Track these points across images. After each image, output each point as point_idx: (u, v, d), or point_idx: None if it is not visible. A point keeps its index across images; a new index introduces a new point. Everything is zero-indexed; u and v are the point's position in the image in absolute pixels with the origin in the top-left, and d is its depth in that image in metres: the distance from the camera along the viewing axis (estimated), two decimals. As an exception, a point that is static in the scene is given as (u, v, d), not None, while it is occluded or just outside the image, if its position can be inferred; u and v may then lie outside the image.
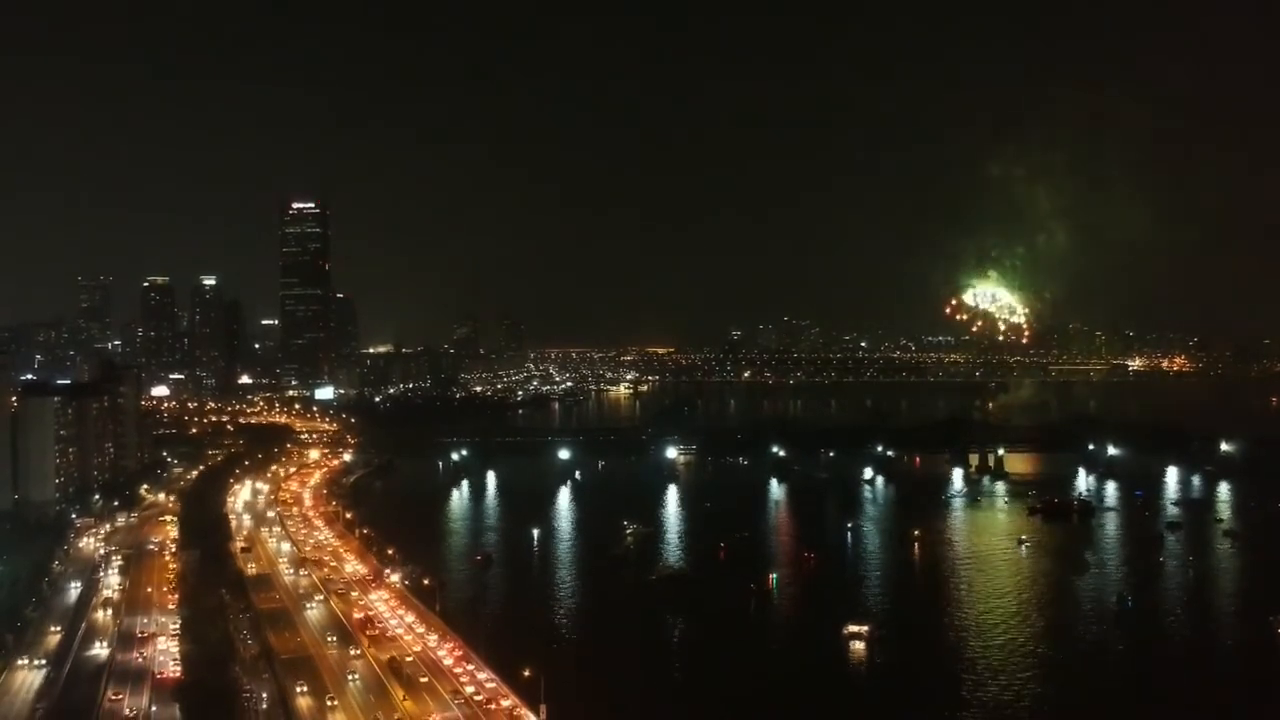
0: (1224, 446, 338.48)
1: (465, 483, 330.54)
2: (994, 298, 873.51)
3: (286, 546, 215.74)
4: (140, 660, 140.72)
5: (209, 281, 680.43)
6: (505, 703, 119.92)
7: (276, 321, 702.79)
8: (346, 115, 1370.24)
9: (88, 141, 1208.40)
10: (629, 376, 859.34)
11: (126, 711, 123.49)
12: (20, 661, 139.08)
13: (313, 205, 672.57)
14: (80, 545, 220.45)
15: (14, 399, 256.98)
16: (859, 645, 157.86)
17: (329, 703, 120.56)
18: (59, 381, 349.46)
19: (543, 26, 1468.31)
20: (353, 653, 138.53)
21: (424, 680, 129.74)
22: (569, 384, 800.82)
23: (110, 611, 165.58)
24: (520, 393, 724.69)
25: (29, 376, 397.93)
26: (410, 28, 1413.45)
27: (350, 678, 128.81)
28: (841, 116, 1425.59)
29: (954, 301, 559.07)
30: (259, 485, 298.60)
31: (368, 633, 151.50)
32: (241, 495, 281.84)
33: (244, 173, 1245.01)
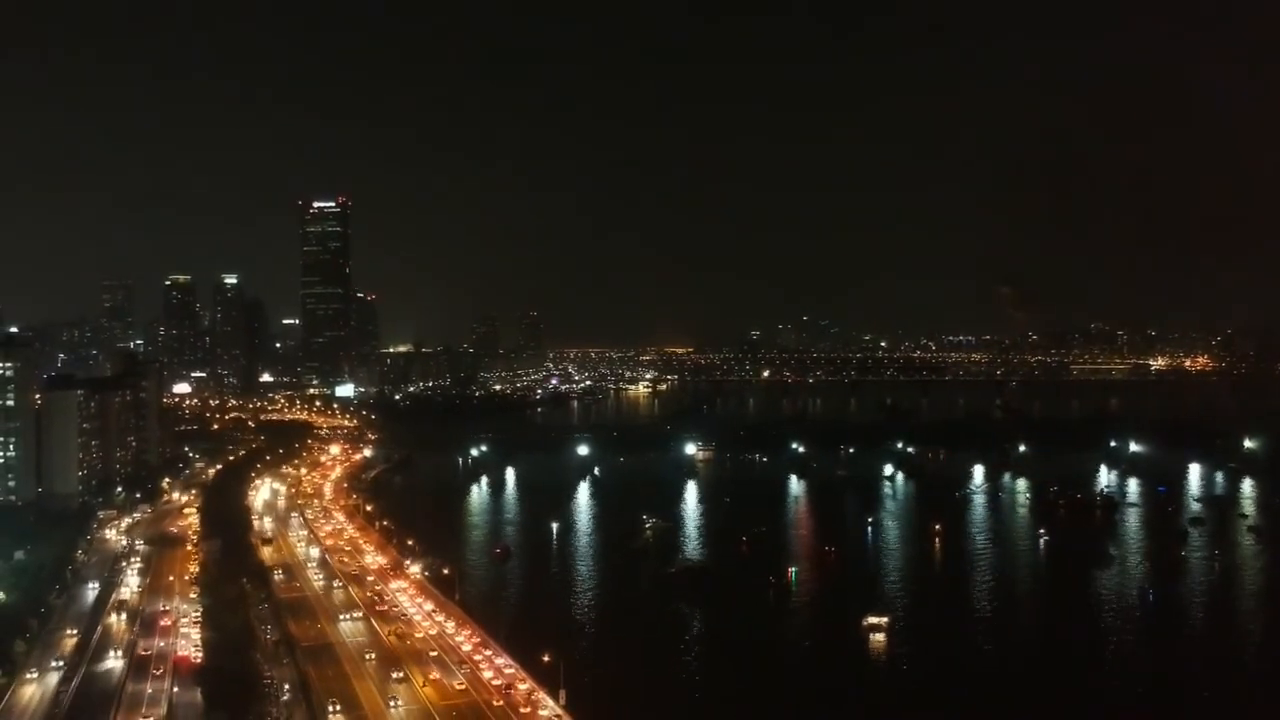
0: (1247, 443, 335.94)
1: (484, 478, 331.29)
2: (1017, 297, 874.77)
3: (307, 538, 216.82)
4: (161, 645, 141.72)
5: (230, 280, 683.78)
6: (523, 686, 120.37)
7: (297, 321, 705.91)
8: (368, 116, 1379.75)
9: (110, 143, 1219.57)
10: (648, 376, 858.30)
11: (154, 672, 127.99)
12: (29, 674, 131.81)
13: (333, 204, 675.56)
14: (103, 536, 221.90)
15: (37, 394, 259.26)
16: (879, 637, 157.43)
17: None
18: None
19: (564, 29, 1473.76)
20: (395, 675, 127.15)
21: (433, 654, 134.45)
22: (588, 382, 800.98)
23: (132, 600, 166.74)
24: (539, 391, 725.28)
25: (51, 375, 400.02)
26: (433, 29, 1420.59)
27: (392, 703, 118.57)
28: (862, 116, 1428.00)
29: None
30: (280, 479, 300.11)
31: (377, 608, 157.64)
32: (262, 489, 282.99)
33: (266, 172, 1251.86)
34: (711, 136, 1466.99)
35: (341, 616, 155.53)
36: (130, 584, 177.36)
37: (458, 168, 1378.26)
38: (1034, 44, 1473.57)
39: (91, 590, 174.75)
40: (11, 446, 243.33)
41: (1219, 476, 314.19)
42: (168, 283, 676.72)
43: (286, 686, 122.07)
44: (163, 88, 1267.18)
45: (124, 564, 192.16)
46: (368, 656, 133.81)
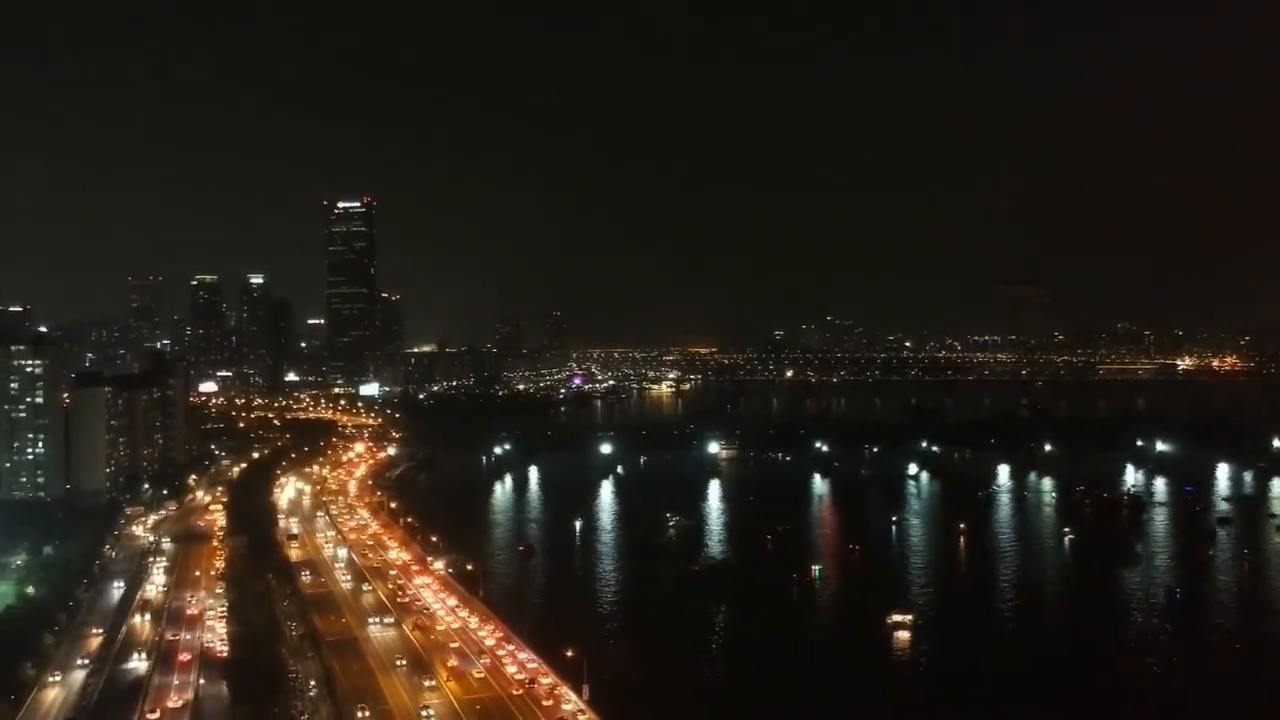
0: (1276, 443, 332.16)
1: (508, 477, 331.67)
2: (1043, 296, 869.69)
3: (332, 534, 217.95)
4: (188, 638, 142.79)
5: (257, 280, 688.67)
6: (545, 680, 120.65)
7: (323, 321, 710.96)
8: (394, 117, 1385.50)
9: (136, 145, 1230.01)
10: (671, 375, 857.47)
11: (180, 662, 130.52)
12: (53, 677, 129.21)
13: (359, 205, 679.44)
14: (130, 532, 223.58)
15: (65, 394, 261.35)
16: (903, 634, 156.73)
17: None
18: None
19: (588, 30, 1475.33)
20: (427, 683, 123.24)
21: (454, 646, 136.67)
22: (611, 382, 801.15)
23: (159, 595, 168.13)
24: (563, 391, 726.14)
25: (79, 373, 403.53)
26: (458, 32, 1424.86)
27: (424, 714, 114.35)
28: (885, 119, 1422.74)
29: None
30: (305, 477, 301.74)
31: (400, 601, 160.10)
32: (288, 486, 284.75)
33: (292, 173, 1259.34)
34: (735, 137, 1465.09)
35: (367, 614, 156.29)
36: (157, 579, 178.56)
37: (482, 170, 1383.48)
38: (1050, 43, 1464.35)
39: (119, 585, 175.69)
40: (40, 443, 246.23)
41: (1247, 476, 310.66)
42: (194, 283, 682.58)
43: (313, 683, 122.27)
44: (190, 89, 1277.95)
45: (150, 559, 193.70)
46: (398, 662, 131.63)
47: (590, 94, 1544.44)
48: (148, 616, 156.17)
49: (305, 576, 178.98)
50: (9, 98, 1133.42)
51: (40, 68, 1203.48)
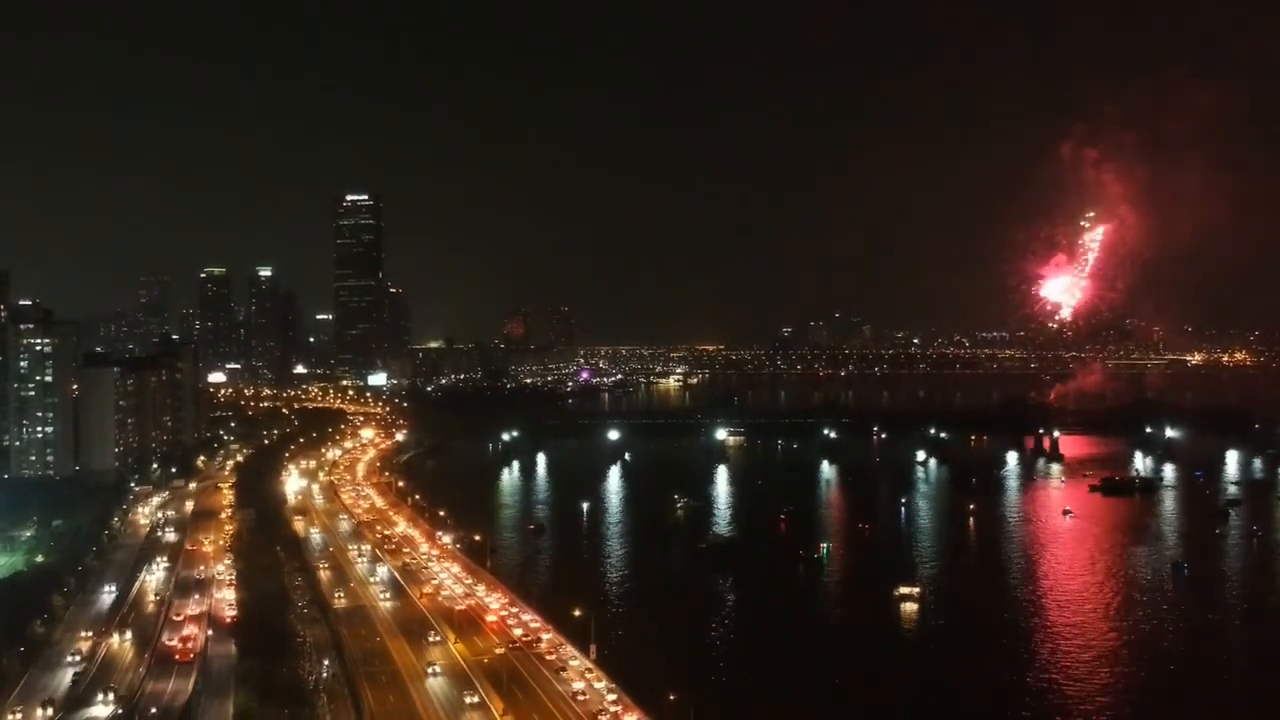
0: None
1: (516, 463, 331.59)
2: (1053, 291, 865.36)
3: (339, 510, 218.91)
4: (196, 603, 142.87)
5: (265, 273, 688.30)
6: (547, 636, 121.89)
7: (331, 316, 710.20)
8: (403, 112, 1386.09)
9: (146, 138, 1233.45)
10: (678, 371, 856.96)
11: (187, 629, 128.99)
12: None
13: (366, 197, 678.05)
14: (138, 508, 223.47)
15: (74, 382, 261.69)
16: (910, 606, 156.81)
17: None
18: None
19: (600, 24, 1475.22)
20: (431, 638, 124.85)
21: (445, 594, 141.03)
22: (618, 376, 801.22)
23: (167, 563, 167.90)
24: (570, 384, 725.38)
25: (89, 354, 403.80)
26: (466, 24, 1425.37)
27: (430, 670, 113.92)
28: (897, 112, 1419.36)
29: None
30: (313, 460, 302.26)
31: (386, 547, 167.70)
32: (296, 468, 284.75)
33: (300, 166, 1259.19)
34: (746, 138, 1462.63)
35: (372, 579, 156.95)
36: (165, 549, 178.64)
37: (489, 166, 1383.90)
38: (1051, 33, 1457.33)
39: (126, 556, 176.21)
40: (49, 422, 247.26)
41: (1257, 462, 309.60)
42: (203, 275, 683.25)
43: (326, 663, 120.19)
44: (198, 82, 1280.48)
45: (159, 533, 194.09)
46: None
47: (598, 93, 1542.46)
48: (157, 579, 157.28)
49: (313, 549, 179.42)
50: (15, 94, 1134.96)
51: (48, 62, 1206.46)
